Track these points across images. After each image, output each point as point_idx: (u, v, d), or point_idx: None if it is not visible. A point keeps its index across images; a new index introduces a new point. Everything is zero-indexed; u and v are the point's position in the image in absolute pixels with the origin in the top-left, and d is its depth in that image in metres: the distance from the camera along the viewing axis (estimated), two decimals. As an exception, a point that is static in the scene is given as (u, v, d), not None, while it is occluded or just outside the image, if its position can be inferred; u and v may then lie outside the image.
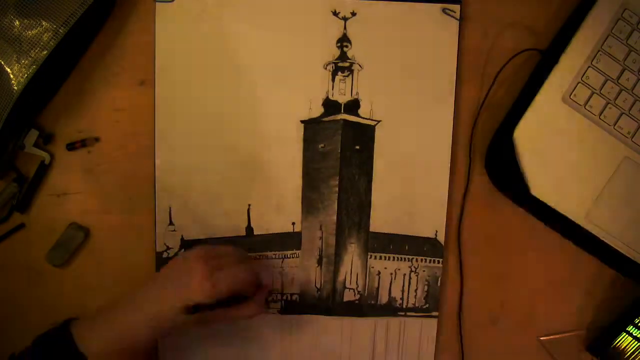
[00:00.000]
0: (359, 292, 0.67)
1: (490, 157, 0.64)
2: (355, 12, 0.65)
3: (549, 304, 0.68)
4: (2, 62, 0.58)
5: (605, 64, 0.62)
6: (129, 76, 0.65)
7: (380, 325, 0.67)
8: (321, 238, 0.67)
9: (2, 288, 0.66)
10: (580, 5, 0.63)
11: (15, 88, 0.58)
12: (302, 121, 0.66)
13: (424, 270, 0.67)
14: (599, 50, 0.62)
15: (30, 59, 0.58)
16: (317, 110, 0.66)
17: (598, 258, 0.64)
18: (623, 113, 0.62)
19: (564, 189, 0.62)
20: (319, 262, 0.67)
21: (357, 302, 0.67)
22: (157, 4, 0.64)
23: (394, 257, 0.67)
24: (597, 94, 0.62)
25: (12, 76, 0.58)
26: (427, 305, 0.67)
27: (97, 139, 0.65)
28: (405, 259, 0.67)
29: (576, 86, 0.62)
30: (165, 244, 0.66)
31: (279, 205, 0.66)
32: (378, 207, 0.66)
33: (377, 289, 0.67)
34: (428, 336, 0.67)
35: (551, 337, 0.68)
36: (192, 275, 0.54)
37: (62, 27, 0.58)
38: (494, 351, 0.69)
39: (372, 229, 0.66)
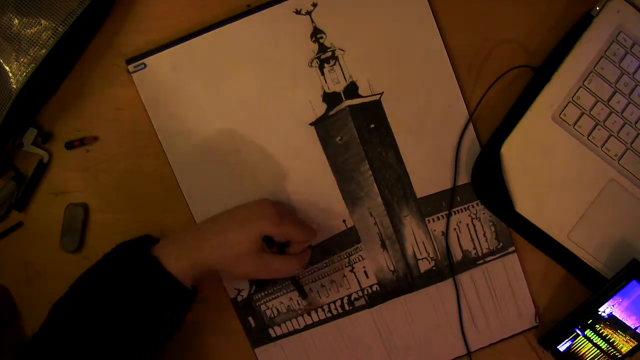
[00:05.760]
0: (432, 258, 0.67)
1: (477, 172, 0.64)
2: (315, 2, 0.65)
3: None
4: (1, 61, 0.58)
5: (597, 85, 0.62)
6: (128, 75, 0.65)
7: (466, 280, 0.67)
8: (375, 223, 0.67)
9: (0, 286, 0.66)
10: (576, 26, 0.62)
11: (14, 86, 0.59)
12: (310, 124, 0.66)
13: (483, 213, 0.66)
14: (591, 72, 0.62)
15: (29, 57, 0.59)
16: (321, 108, 0.66)
17: (577, 277, 0.65)
18: (611, 135, 0.62)
19: (548, 208, 0.62)
20: (383, 246, 0.67)
21: (434, 268, 0.67)
22: (133, 74, 0.65)
23: (450, 213, 0.67)
24: (587, 114, 0.62)
25: (11, 74, 0.59)
26: (500, 245, 0.66)
27: (95, 138, 0.66)
28: (461, 210, 0.67)
29: (566, 105, 0.62)
30: (235, 288, 0.67)
31: (324, 209, 0.66)
32: (416, 173, 0.66)
33: (448, 248, 0.67)
34: (515, 273, 0.67)
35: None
36: (264, 207, 0.59)
37: (61, 26, 0.59)
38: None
39: (419, 195, 0.66)
